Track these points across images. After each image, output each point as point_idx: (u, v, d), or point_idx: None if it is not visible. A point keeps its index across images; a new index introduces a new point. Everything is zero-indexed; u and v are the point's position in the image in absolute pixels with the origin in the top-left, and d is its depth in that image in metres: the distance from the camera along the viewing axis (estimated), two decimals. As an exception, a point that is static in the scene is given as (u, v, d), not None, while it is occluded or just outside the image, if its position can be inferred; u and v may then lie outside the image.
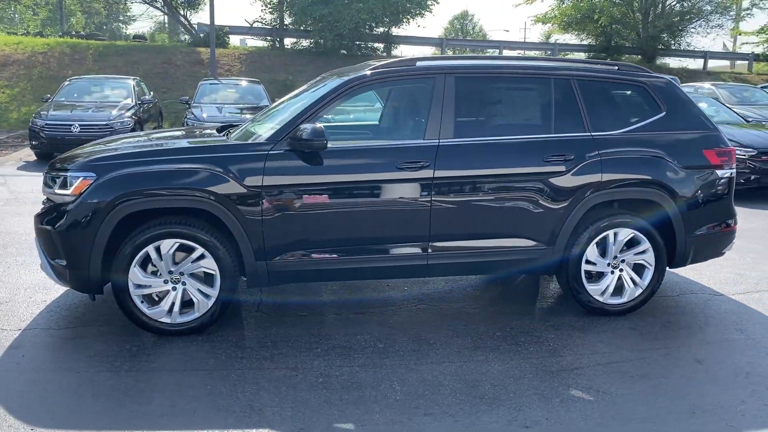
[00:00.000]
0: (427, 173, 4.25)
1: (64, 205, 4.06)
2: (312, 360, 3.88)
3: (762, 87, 16.78)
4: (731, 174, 4.75)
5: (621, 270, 4.63)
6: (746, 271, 5.75)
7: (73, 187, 4.03)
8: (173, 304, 4.12)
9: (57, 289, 4.87)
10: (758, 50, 29.91)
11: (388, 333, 4.30)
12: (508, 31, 66.51)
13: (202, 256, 4.09)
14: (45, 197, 4.37)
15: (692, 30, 28.84)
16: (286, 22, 25.52)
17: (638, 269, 4.65)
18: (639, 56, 28.13)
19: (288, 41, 26.02)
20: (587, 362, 3.94)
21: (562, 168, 4.40)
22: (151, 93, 15.13)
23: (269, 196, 4.10)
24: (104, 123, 11.85)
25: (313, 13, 22.27)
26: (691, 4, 28.31)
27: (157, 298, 4.15)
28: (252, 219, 4.09)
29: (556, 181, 4.41)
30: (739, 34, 30.98)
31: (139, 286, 4.08)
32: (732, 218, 4.85)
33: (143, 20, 54.58)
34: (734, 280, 5.49)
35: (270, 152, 4.13)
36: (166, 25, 42.66)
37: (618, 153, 4.49)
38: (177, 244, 4.06)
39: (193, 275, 4.14)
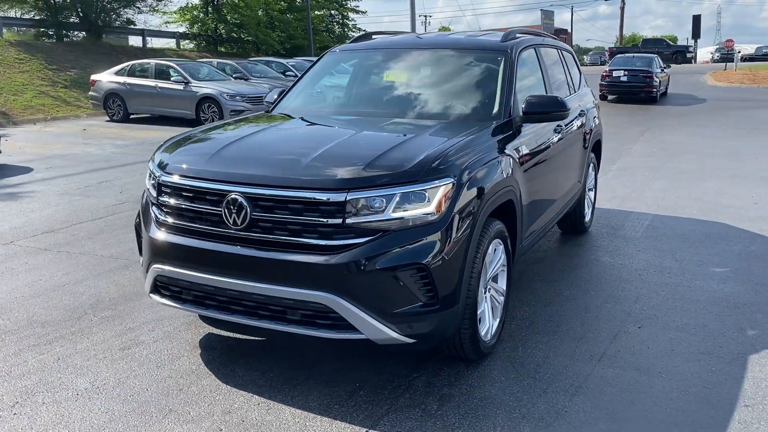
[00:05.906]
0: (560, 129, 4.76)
1: (417, 228, 2.90)
2: (624, 340, 3.96)
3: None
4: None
5: (591, 191, 6.13)
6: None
7: (436, 201, 2.91)
8: (488, 318, 3.51)
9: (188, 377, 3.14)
10: (181, 29, 32.88)
11: (596, 299, 4.68)
12: None
13: (501, 254, 3.59)
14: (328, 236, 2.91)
15: (139, 9, 29.43)
16: None
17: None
18: (86, 32, 27.06)
19: None
20: (635, 263, 5.38)
21: (584, 119, 5.53)
22: None
23: (525, 173, 3.88)
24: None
25: None
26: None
27: (468, 318, 3.42)
28: (521, 200, 3.80)
29: (585, 129, 5.51)
30: (160, 13, 32.93)
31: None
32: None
33: None
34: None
35: (515, 129, 3.89)
36: None
37: (587, 106, 5.85)
38: (498, 245, 3.47)
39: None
